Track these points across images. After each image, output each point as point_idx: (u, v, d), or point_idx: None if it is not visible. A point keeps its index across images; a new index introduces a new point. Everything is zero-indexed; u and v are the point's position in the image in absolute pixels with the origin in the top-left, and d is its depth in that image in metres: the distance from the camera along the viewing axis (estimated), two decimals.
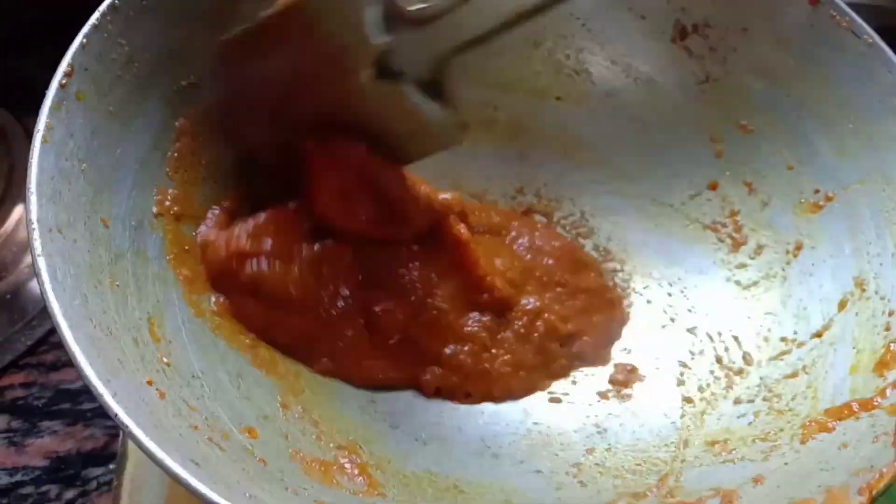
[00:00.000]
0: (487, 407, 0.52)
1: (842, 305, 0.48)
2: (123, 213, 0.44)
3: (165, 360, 0.41)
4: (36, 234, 0.37)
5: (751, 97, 0.55)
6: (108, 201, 0.43)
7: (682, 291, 0.57)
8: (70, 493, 0.58)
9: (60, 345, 0.65)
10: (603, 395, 0.53)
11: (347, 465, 0.43)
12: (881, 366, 0.43)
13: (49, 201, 0.38)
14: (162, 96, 0.48)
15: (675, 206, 0.59)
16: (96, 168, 0.42)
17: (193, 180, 0.50)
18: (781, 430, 0.44)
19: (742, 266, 0.55)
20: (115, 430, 0.61)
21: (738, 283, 0.54)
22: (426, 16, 0.46)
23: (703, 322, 0.55)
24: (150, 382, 0.38)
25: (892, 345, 0.43)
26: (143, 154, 0.46)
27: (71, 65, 0.42)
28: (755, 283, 0.54)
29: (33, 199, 0.37)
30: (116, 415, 0.33)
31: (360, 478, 0.43)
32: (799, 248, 0.52)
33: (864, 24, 0.49)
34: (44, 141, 0.39)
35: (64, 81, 0.41)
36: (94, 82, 0.43)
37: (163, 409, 0.37)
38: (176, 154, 0.49)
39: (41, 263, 0.36)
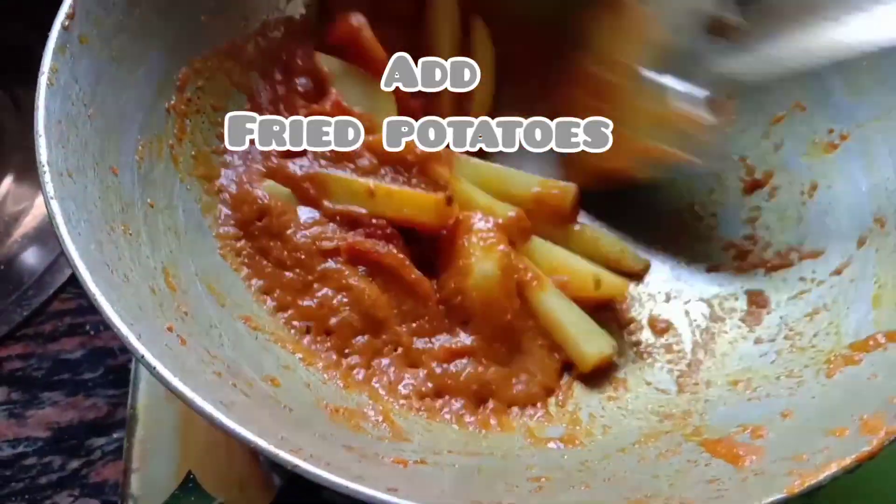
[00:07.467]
0: None
1: (860, 243, 0.48)
2: (131, 162, 0.43)
3: (183, 308, 0.40)
4: (48, 178, 0.35)
5: None
6: (116, 149, 0.42)
7: None
8: (74, 463, 0.57)
9: (58, 315, 0.65)
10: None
11: (371, 413, 0.42)
12: None
13: (57, 144, 0.37)
14: (164, 44, 0.47)
15: None
16: (102, 114, 0.41)
17: (198, 129, 0.49)
18: (806, 366, 0.44)
19: (756, 209, 0.54)
20: (117, 399, 0.60)
21: None
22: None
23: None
24: (170, 329, 0.37)
25: None
26: (149, 102, 0.45)
27: (73, 6, 0.40)
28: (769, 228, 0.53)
29: (42, 141, 0.36)
30: (143, 356, 0.32)
31: (384, 425, 0.42)
32: (814, 188, 0.52)
33: None
34: (49, 84, 0.38)
35: (66, 23, 0.40)
36: (97, 26, 0.42)
37: (185, 354, 0.36)
38: (180, 104, 0.48)
39: (55, 207, 0.35)
